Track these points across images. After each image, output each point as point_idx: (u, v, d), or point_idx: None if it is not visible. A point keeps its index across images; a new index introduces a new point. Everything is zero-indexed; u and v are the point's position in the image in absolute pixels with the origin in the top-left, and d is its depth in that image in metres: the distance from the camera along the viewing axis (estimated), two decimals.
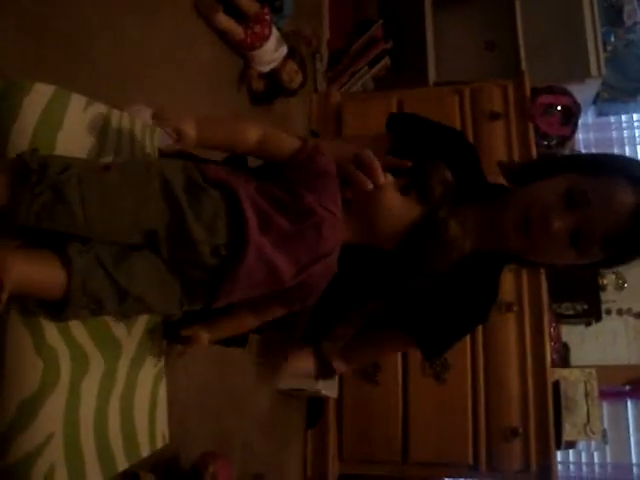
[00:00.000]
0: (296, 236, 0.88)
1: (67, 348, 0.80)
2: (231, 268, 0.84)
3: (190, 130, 0.91)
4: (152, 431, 0.98)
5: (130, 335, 0.92)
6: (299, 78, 3.12)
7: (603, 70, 3.62)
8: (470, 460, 2.95)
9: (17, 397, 0.76)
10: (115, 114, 0.95)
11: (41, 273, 0.74)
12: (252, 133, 0.96)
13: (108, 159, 0.91)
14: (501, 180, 1.20)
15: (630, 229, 1.01)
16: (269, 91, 3.10)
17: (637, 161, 1.09)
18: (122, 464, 0.90)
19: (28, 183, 0.74)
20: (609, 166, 1.07)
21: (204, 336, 1.00)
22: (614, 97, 4.08)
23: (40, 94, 0.82)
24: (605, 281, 3.72)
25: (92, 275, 0.77)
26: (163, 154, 1.04)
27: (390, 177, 0.94)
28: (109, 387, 0.88)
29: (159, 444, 0.99)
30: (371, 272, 1.06)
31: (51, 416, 0.78)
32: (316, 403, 3.20)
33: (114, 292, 0.79)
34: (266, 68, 3.03)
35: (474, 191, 1.17)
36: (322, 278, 0.93)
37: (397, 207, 0.93)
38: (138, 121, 1.02)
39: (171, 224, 0.81)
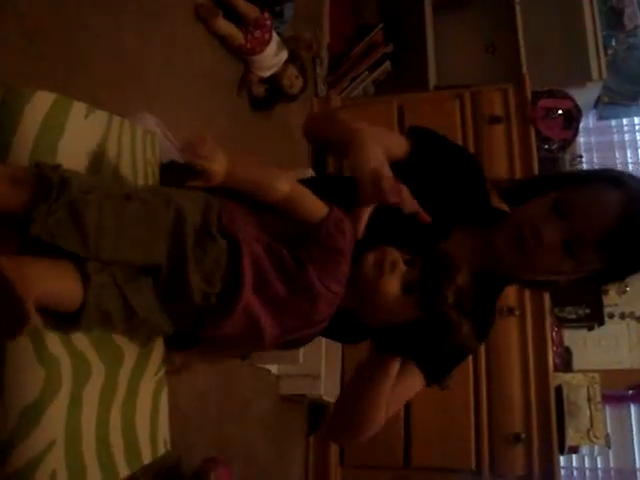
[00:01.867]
0: (289, 304, 0.89)
1: (69, 356, 0.80)
2: (216, 318, 0.87)
3: (221, 169, 0.87)
4: (154, 438, 0.97)
5: (131, 343, 0.92)
6: (299, 83, 3.12)
7: (604, 74, 3.62)
8: (473, 465, 2.94)
9: (19, 405, 0.76)
10: (116, 121, 0.95)
11: (59, 288, 0.75)
12: (283, 185, 0.91)
13: (130, 186, 0.91)
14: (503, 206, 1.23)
15: (620, 227, 1.02)
16: (269, 96, 3.11)
17: (617, 169, 1.14)
18: (123, 471, 0.90)
19: (48, 198, 0.75)
20: (593, 176, 1.11)
21: (195, 363, 1.03)
22: (615, 101, 4.08)
23: (41, 102, 0.82)
24: (607, 285, 3.71)
25: (106, 293, 0.79)
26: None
27: (401, 268, 0.93)
28: (111, 394, 0.87)
29: (160, 451, 0.99)
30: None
31: (53, 423, 0.78)
32: (318, 409, 3.20)
33: (124, 311, 0.81)
34: (266, 73, 3.03)
35: (476, 215, 1.20)
36: (308, 336, 0.97)
37: (393, 305, 0.92)
38: (139, 128, 1.02)
39: (172, 262, 0.82)
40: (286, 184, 0.91)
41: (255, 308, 0.87)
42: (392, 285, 0.91)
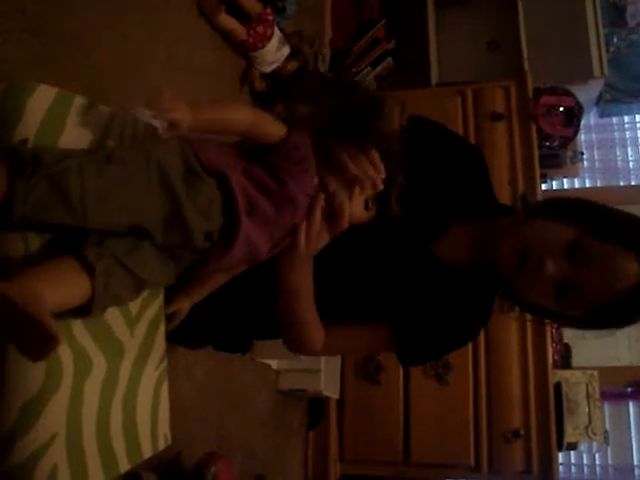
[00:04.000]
0: (276, 219, 0.95)
1: (70, 350, 0.80)
2: (219, 251, 0.91)
3: (184, 117, 0.89)
4: (154, 432, 0.98)
5: (132, 337, 0.92)
6: None
7: (606, 71, 3.62)
8: (472, 461, 2.95)
9: (20, 399, 0.76)
10: (118, 115, 0.95)
11: (68, 291, 0.77)
12: (243, 114, 0.97)
13: (109, 147, 0.91)
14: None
15: (621, 302, 0.99)
16: (271, 91, 3.10)
17: None
18: (124, 465, 0.90)
19: (23, 174, 0.74)
20: (623, 232, 1.03)
21: (186, 306, 1.07)
22: (617, 98, 4.08)
23: (43, 96, 0.82)
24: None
25: (113, 275, 0.80)
26: None
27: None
28: (111, 389, 0.88)
29: (161, 445, 0.99)
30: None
31: (54, 417, 0.78)
32: (317, 404, 3.20)
33: (134, 284, 0.84)
34: (268, 68, 3.03)
35: (479, 207, 1.18)
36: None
37: (357, 220, 1.01)
38: (141, 122, 1.02)
39: (169, 215, 0.85)
40: (246, 112, 0.97)
41: (252, 232, 0.92)
42: (356, 205, 1.01)
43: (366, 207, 1.01)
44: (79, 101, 0.87)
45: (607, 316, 1.03)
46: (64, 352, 0.79)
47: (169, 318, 1.04)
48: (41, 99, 0.82)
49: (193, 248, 0.89)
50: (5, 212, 0.74)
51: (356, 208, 1.00)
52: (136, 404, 0.93)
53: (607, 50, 3.74)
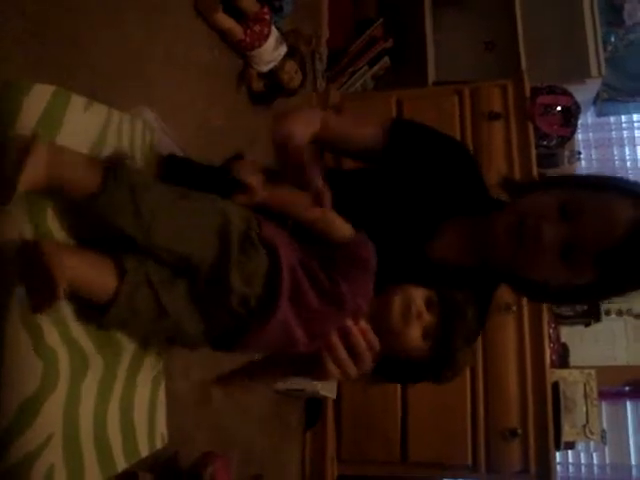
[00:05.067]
0: (320, 315, 0.92)
1: (67, 349, 0.80)
2: (254, 327, 0.89)
3: (261, 191, 0.95)
4: (151, 431, 0.98)
5: (130, 338, 0.92)
6: (299, 78, 3.11)
7: (603, 70, 3.62)
8: (469, 461, 2.94)
9: (17, 398, 0.76)
10: (115, 115, 0.95)
11: (95, 276, 0.80)
12: (310, 210, 0.97)
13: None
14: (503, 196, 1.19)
15: (625, 245, 0.97)
16: (269, 91, 3.10)
17: (636, 181, 1.06)
18: (121, 464, 0.90)
19: (117, 177, 0.82)
20: (607, 183, 1.05)
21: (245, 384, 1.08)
22: (614, 97, 4.08)
23: (40, 95, 0.82)
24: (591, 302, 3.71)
25: (139, 290, 0.82)
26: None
27: (424, 317, 0.97)
28: (108, 388, 0.88)
29: (158, 444, 0.99)
30: None
31: (51, 417, 0.78)
32: (315, 404, 3.20)
33: (155, 310, 0.84)
34: (265, 68, 3.02)
35: (471, 204, 1.16)
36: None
37: (411, 348, 0.97)
38: (138, 122, 1.02)
39: (216, 261, 0.86)
40: (316, 210, 0.97)
41: (289, 316, 0.90)
42: (415, 333, 0.96)
43: (424, 337, 0.97)
44: (76, 100, 0.87)
45: (618, 269, 0.99)
46: (61, 352, 0.79)
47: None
48: (38, 98, 0.82)
49: (227, 308, 0.88)
50: (89, 203, 0.81)
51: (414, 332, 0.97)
52: (133, 404, 0.93)
53: (605, 49, 3.74)
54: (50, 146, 0.80)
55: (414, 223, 1.14)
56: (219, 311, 0.88)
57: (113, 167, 0.83)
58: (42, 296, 0.74)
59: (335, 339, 0.94)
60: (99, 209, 0.81)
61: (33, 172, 0.76)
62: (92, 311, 0.82)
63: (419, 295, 0.98)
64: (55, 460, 0.78)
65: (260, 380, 1.06)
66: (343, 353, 0.94)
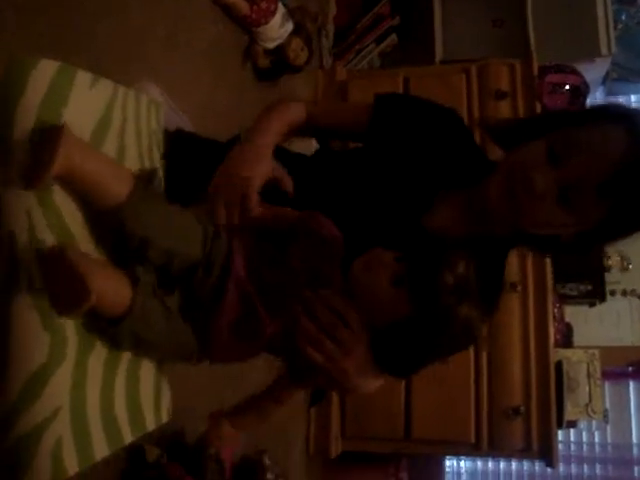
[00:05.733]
0: (275, 285, 0.91)
1: (73, 323, 0.81)
2: (216, 300, 0.89)
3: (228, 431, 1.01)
4: (157, 406, 0.99)
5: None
6: (305, 55, 3.09)
7: (613, 49, 3.58)
8: (472, 438, 2.97)
9: (25, 371, 0.76)
10: (121, 91, 0.95)
11: (112, 287, 0.80)
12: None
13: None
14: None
15: (624, 168, 0.91)
16: (275, 68, 3.08)
17: (621, 104, 1.02)
18: (128, 437, 0.91)
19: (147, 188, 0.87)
20: (592, 114, 1.00)
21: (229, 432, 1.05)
22: (624, 77, 4.04)
23: (45, 70, 0.81)
24: (610, 262, 3.71)
25: (149, 299, 0.83)
26: None
27: (389, 263, 0.90)
28: (115, 362, 0.88)
29: (164, 418, 1.00)
30: None
31: (58, 390, 0.79)
32: None
33: (163, 313, 0.85)
34: (272, 44, 3.00)
35: (467, 173, 1.12)
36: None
37: (385, 299, 0.88)
38: (144, 97, 1.02)
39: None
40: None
41: (249, 290, 0.89)
42: (381, 278, 0.88)
43: (395, 284, 0.88)
44: (81, 75, 0.87)
45: (627, 195, 0.93)
46: (69, 326, 0.80)
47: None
48: (43, 73, 0.82)
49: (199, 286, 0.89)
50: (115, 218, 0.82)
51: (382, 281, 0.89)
52: (139, 378, 0.93)
53: (615, 28, 3.70)
54: (81, 140, 0.82)
55: (408, 196, 1.11)
56: (198, 309, 0.89)
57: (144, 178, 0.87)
58: (71, 299, 0.74)
59: (302, 319, 0.90)
60: (127, 214, 0.82)
61: (65, 158, 0.75)
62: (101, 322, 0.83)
63: (383, 250, 0.92)
64: (63, 432, 0.79)
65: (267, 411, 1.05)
66: (312, 328, 0.89)
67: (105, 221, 0.83)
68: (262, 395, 1.02)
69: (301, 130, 1.23)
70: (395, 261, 0.89)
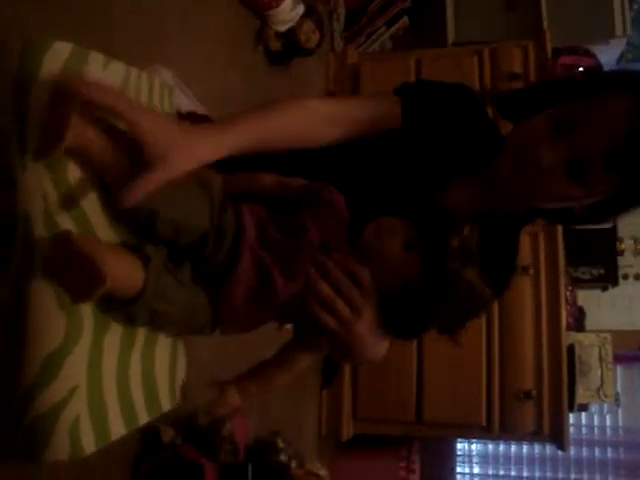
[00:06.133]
0: (288, 251, 0.91)
1: (89, 305, 0.81)
2: (230, 267, 0.89)
3: (234, 398, 0.99)
4: (172, 386, 1.00)
5: None
6: (316, 38, 3.08)
7: (628, 30, 3.54)
8: (483, 421, 2.98)
9: (42, 352, 0.77)
10: (134, 73, 0.95)
11: (125, 270, 0.80)
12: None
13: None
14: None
15: (631, 136, 0.89)
16: (286, 51, 3.08)
17: (629, 70, 0.98)
18: (144, 418, 0.92)
19: None
20: (600, 82, 0.97)
21: (235, 401, 1.03)
22: (639, 58, 3.99)
23: (59, 52, 0.82)
24: (623, 246, 3.69)
25: (162, 274, 0.84)
26: None
27: (400, 229, 0.92)
28: (130, 342, 0.89)
29: (179, 399, 1.01)
30: None
31: (75, 369, 0.79)
32: (331, 363, 3.23)
33: (177, 285, 0.86)
34: (283, 27, 2.99)
35: (484, 153, 1.10)
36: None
37: (396, 263, 0.90)
38: (156, 80, 1.02)
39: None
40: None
41: (263, 257, 0.89)
42: (393, 243, 0.90)
43: (407, 248, 0.90)
44: (95, 57, 0.87)
45: (635, 165, 0.91)
46: (85, 306, 0.81)
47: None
48: (57, 55, 0.82)
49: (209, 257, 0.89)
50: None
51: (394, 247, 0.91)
52: (154, 358, 0.94)
53: (630, 8, 3.65)
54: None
55: (425, 177, 1.11)
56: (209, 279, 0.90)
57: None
58: (85, 285, 0.73)
59: (316, 281, 0.90)
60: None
61: (79, 129, 0.75)
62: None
63: (393, 218, 0.93)
64: (80, 411, 0.80)
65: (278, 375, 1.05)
66: (326, 288, 0.89)
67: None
68: (269, 362, 1.03)
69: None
70: (406, 227, 0.91)
